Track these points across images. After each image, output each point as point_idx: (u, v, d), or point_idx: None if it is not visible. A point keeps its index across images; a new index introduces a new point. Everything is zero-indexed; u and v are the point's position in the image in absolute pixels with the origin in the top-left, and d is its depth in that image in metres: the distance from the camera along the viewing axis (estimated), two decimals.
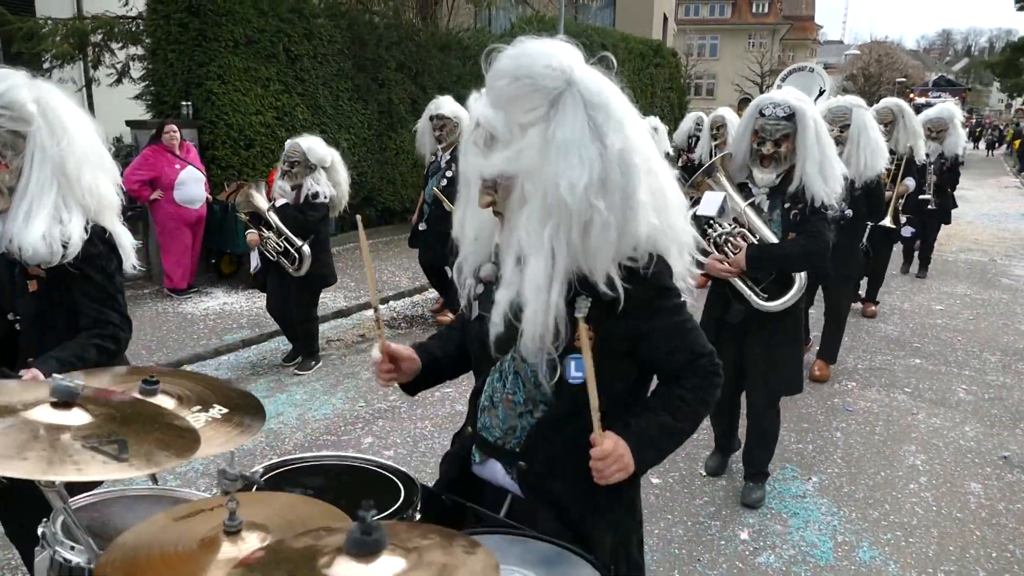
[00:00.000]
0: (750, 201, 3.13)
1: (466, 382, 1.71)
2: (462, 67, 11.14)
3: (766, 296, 3.14)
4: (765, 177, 3.11)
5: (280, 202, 4.95)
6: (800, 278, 3.14)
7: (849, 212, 4.38)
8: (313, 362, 5.25)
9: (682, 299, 1.50)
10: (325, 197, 4.88)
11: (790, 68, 10.85)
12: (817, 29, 54.92)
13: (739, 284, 3.15)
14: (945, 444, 4.19)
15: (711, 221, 3.13)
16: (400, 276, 7.98)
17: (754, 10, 46.50)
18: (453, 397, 4.62)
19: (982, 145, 33.51)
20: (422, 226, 5.94)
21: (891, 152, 5.84)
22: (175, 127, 6.80)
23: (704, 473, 3.77)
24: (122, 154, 7.11)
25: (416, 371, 1.64)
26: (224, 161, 7.71)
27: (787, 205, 3.08)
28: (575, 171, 1.31)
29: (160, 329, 5.96)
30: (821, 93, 9.45)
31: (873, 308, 6.81)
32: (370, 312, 5.44)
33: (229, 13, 7.64)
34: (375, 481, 1.69)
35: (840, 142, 4.39)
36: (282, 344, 5.61)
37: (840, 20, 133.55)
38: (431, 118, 5.78)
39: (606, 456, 1.38)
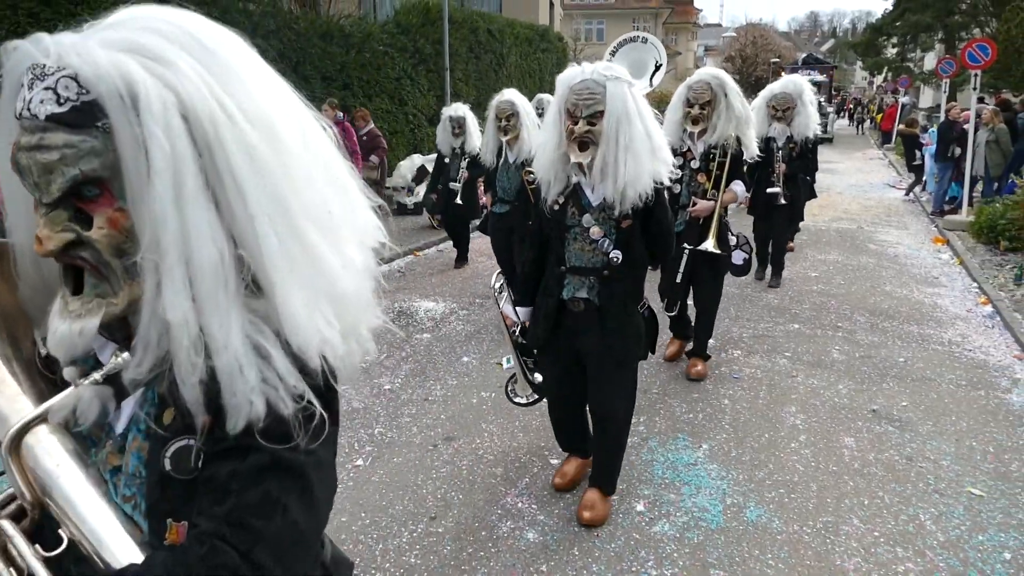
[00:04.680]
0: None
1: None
2: (345, 55, 10.86)
3: None
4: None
5: None
6: None
7: (616, 255, 2.87)
8: None
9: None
10: None
11: (621, 38, 8.30)
12: (697, 13, 56.93)
13: None
14: (822, 403, 4.46)
15: None
16: None
17: None
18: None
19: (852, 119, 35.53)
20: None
21: (711, 148, 4.37)
22: None
23: None
24: None
25: None
26: None
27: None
28: None
29: None
30: (657, 69, 7.66)
31: (699, 368, 4.76)
32: None
33: (84, 1, 7.11)
34: None
35: (591, 142, 2.77)
36: None
37: (718, 4, 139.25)
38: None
39: None
